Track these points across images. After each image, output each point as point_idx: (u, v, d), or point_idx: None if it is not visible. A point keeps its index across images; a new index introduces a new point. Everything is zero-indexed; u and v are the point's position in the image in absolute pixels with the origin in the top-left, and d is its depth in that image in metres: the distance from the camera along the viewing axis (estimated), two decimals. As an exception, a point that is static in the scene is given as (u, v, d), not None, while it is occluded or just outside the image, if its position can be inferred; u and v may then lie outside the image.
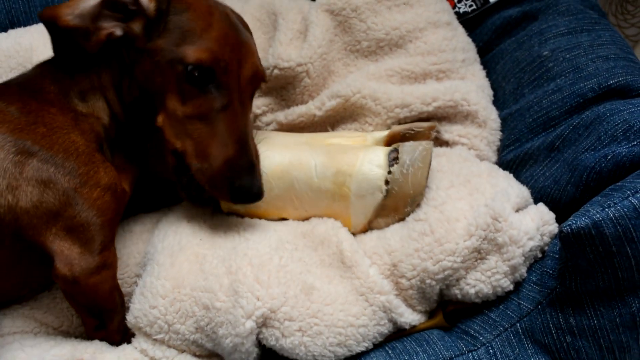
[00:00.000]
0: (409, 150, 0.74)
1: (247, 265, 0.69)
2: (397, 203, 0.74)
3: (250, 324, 0.66)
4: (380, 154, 0.75)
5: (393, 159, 0.74)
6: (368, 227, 0.77)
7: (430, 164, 0.74)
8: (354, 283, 0.70)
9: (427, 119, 0.86)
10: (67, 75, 0.74)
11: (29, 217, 0.66)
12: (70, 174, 0.68)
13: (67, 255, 0.67)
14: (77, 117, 0.73)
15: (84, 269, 0.67)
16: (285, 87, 0.92)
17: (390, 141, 0.82)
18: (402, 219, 0.75)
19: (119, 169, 0.76)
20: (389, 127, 0.86)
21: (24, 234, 0.67)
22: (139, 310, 0.71)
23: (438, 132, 0.85)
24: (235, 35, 0.72)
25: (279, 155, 0.78)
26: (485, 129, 0.85)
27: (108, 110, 0.75)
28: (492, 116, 0.86)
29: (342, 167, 0.75)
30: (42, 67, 0.76)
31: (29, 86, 0.74)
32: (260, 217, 0.80)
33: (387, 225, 0.76)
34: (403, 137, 0.81)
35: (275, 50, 0.89)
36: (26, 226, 0.66)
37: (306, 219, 0.79)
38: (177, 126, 0.72)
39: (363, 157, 0.76)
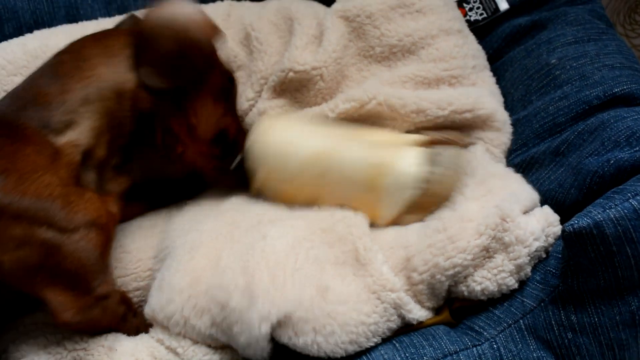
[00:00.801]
0: (449, 155, 0.77)
1: (263, 267, 0.71)
2: (429, 202, 0.77)
3: (265, 328, 0.67)
4: (420, 154, 0.78)
5: (431, 161, 0.77)
6: (395, 222, 0.79)
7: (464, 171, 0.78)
8: (366, 281, 0.72)
9: (443, 126, 0.88)
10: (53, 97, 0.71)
11: (10, 274, 0.64)
12: (46, 223, 0.64)
13: (61, 301, 0.65)
14: (54, 153, 0.69)
15: (81, 308, 0.67)
16: (300, 90, 0.94)
17: (423, 145, 0.84)
18: (424, 219, 0.78)
19: (109, 185, 0.76)
20: (407, 131, 0.88)
21: (12, 287, 0.65)
22: (156, 304, 0.73)
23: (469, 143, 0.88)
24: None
25: (316, 141, 0.81)
26: (502, 132, 0.88)
27: (96, 130, 0.72)
28: (507, 120, 0.89)
29: (380, 161, 0.78)
30: (26, 92, 0.73)
31: (8, 121, 0.70)
32: (286, 202, 0.82)
33: (414, 222, 0.78)
34: (433, 143, 0.83)
35: (291, 54, 0.92)
36: (11, 281, 0.65)
37: (335, 205, 0.81)
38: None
39: (403, 154, 0.78)
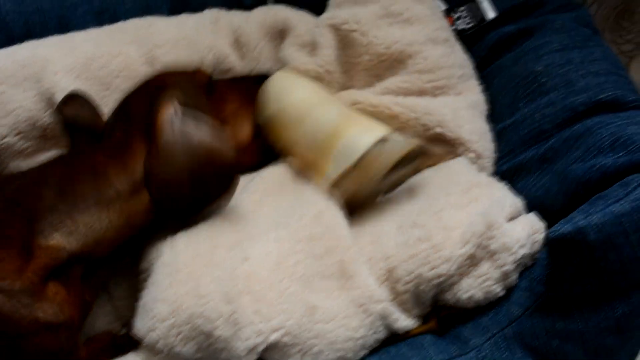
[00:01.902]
0: (395, 139, 0.77)
1: (246, 294, 0.69)
2: (359, 176, 0.77)
3: (251, 358, 0.67)
4: (382, 132, 0.78)
5: (381, 140, 0.76)
6: (334, 185, 0.79)
7: (397, 163, 0.76)
8: (352, 294, 0.72)
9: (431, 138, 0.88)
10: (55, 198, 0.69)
11: None
12: (5, 336, 0.63)
13: None
14: (32, 255, 0.66)
15: None
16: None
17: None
18: (357, 196, 0.79)
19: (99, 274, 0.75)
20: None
21: None
22: (140, 329, 0.72)
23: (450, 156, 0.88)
24: None
25: (314, 95, 0.87)
26: (477, 150, 0.88)
27: (99, 241, 0.70)
28: (476, 139, 0.88)
29: (343, 124, 0.80)
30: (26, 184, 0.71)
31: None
32: (272, 139, 0.87)
33: (346, 194, 0.79)
34: (413, 151, 0.84)
35: (290, 54, 0.94)
36: None
37: (302, 156, 0.84)
38: None
39: (367, 126, 0.80)
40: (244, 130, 0.85)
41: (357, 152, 0.76)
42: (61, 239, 0.67)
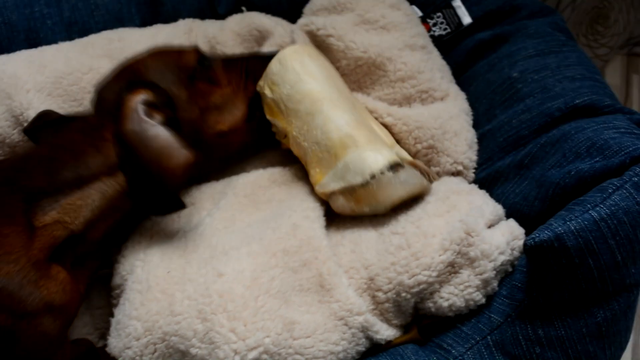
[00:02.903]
0: (412, 174, 0.76)
1: (221, 312, 0.68)
2: (364, 198, 0.76)
3: None
4: (393, 156, 0.76)
5: (394, 168, 0.75)
6: (326, 195, 0.79)
7: (410, 197, 0.77)
8: (332, 307, 0.71)
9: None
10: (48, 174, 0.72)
11: None
12: (6, 307, 0.64)
13: None
14: (34, 233, 0.69)
15: None
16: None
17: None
18: (353, 213, 0.78)
19: (88, 262, 0.76)
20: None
21: None
22: (115, 347, 0.71)
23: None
24: None
25: (327, 87, 0.82)
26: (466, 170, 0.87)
27: (91, 213, 0.72)
28: (470, 155, 0.88)
29: (358, 137, 0.77)
30: (23, 164, 0.74)
31: None
32: (270, 115, 0.85)
33: (341, 207, 0.78)
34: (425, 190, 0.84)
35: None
36: None
37: (294, 149, 0.83)
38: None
39: (379, 146, 0.77)
40: (235, 114, 0.83)
41: (366, 172, 0.75)
42: (58, 216, 0.70)
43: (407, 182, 0.75)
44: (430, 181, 0.83)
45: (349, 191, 0.76)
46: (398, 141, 0.87)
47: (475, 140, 0.89)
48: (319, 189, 0.79)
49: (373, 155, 0.76)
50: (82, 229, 0.72)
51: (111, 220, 0.75)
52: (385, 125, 0.88)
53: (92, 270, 0.79)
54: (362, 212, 0.77)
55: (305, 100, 0.81)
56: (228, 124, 0.82)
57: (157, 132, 0.72)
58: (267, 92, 0.84)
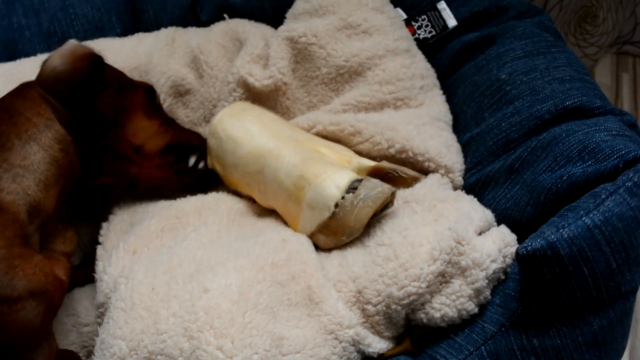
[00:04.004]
0: (369, 187, 0.74)
1: (208, 329, 0.66)
2: (337, 228, 0.75)
3: None
4: (345, 178, 0.76)
5: (353, 188, 0.74)
6: (310, 238, 0.78)
7: (380, 208, 0.75)
8: (322, 321, 0.69)
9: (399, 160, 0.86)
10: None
11: None
12: None
13: None
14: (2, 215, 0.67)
15: None
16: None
17: (374, 173, 0.82)
18: (337, 245, 0.76)
19: (57, 244, 0.76)
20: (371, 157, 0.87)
21: None
22: None
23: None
24: None
25: (264, 139, 0.82)
26: (452, 173, 0.86)
27: (44, 182, 0.71)
28: (444, 153, 0.85)
29: (307, 175, 0.77)
30: None
31: None
32: (232, 186, 0.87)
33: (325, 244, 0.77)
34: (386, 175, 0.82)
35: (242, 66, 0.91)
36: None
37: (267, 206, 0.83)
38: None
39: (330, 173, 0.76)
40: (153, 144, 0.83)
41: (329, 203, 0.75)
42: (19, 189, 0.69)
43: (367, 197, 0.73)
44: (407, 181, 0.82)
45: (324, 227, 0.76)
46: (368, 151, 0.86)
47: (456, 143, 0.88)
48: (301, 233, 0.79)
49: (327, 184, 0.75)
50: (38, 200, 0.70)
51: (62, 181, 0.74)
52: (356, 132, 0.86)
53: (70, 255, 0.78)
54: (342, 242, 0.76)
55: (250, 162, 0.82)
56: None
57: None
58: (219, 168, 0.86)
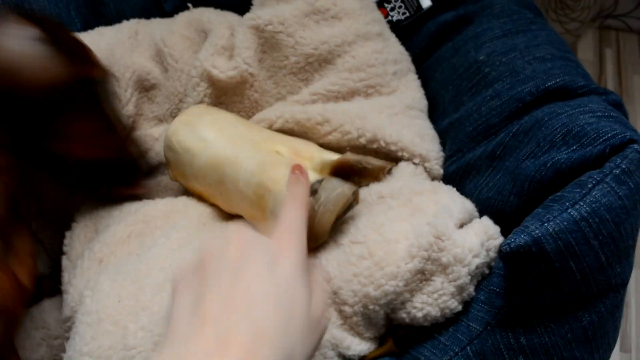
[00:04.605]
0: (328, 188, 0.70)
1: None
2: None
3: None
4: None
5: (313, 191, 0.70)
6: None
7: (343, 210, 0.71)
8: None
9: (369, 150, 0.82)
10: None
11: None
12: None
13: None
14: None
15: None
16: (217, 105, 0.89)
17: (339, 167, 0.78)
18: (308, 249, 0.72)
19: (16, 243, 0.70)
20: (342, 150, 0.82)
21: None
22: None
23: (389, 172, 0.81)
24: None
25: (220, 147, 0.77)
26: (428, 162, 0.82)
27: None
28: (426, 145, 0.82)
29: (266, 182, 0.73)
30: None
31: None
32: (198, 196, 0.83)
33: None
34: (351, 168, 0.78)
35: (203, 58, 0.87)
36: None
37: (234, 214, 0.79)
38: None
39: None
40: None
41: None
42: None
43: (328, 200, 0.69)
44: (374, 172, 0.78)
45: None
46: (337, 142, 0.82)
47: (431, 131, 0.84)
48: None
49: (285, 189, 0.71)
50: None
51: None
52: (324, 120, 0.82)
53: (33, 255, 0.73)
54: (312, 247, 0.71)
55: (209, 173, 0.78)
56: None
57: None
58: (181, 180, 0.82)
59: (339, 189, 0.70)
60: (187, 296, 0.49)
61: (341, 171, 0.77)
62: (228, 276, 0.48)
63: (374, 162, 0.78)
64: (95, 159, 0.72)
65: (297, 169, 0.67)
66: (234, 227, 0.54)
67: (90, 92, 0.70)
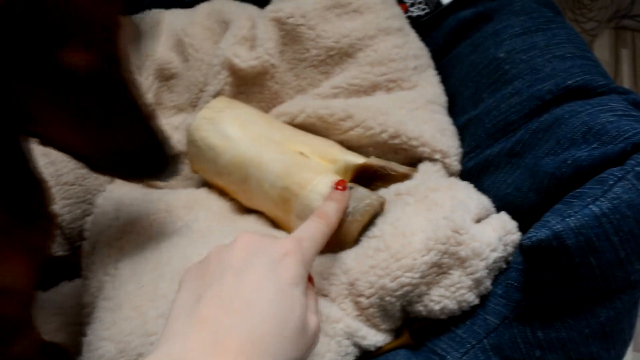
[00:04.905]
0: (357, 198, 0.71)
1: None
2: (329, 241, 0.71)
3: None
4: (331, 186, 0.73)
5: None
6: None
7: (369, 220, 0.72)
8: None
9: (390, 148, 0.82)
10: None
11: None
12: None
13: None
14: None
15: None
16: (237, 97, 0.89)
17: (362, 171, 0.79)
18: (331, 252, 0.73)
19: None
20: (362, 146, 0.83)
21: None
22: None
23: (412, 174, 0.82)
24: None
25: (245, 146, 0.78)
26: (448, 158, 0.82)
27: None
28: (447, 141, 0.82)
29: (291, 186, 0.73)
30: None
31: None
32: (220, 190, 0.83)
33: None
34: (375, 173, 0.79)
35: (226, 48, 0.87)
36: None
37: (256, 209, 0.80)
38: None
39: (315, 183, 0.73)
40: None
41: None
42: None
43: (356, 210, 0.70)
44: (397, 178, 0.78)
45: None
46: (358, 137, 0.82)
47: (451, 127, 0.85)
48: None
49: (313, 196, 0.73)
50: None
51: None
52: (347, 116, 0.82)
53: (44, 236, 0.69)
54: (336, 252, 0.73)
55: (233, 171, 0.78)
56: None
57: None
58: (203, 175, 0.83)
59: (367, 199, 0.71)
60: (188, 293, 0.49)
61: (365, 174, 0.78)
62: (230, 277, 0.49)
63: (397, 168, 0.79)
64: (122, 148, 0.63)
65: (340, 185, 0.67)
66: (244, 232, 0.54)
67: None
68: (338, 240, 0.71)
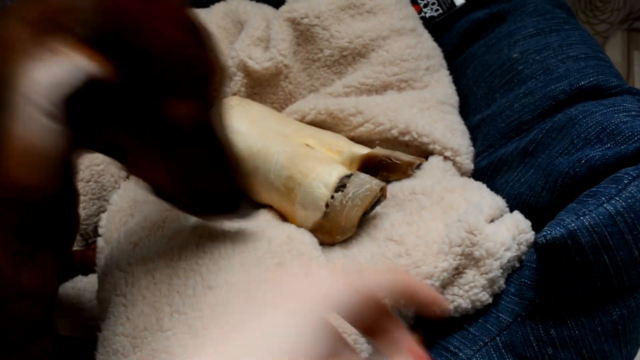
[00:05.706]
0: (357, 183, 0.72)
1: (213, 327, 0.64)
2: (331, 227, 0.73)
3: None
4: (334, 175, 0.73)
5: (341, 185, 0.72)
6: (312, 232, 0.76)
7: (370, 206, 0.72)
8: None
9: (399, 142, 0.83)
10: None
11: None
12: None
13: None
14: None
15: None
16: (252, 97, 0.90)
17: (367, 161, 0.79)
18: (335, 242, 0.74)
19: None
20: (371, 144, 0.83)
21: None
22: None
23: (418, 167, 0.82)
24: None
25: (252, 139, 0.78)
26: (459, 156, 0.83)
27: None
28: (458, 140, 0.83)
29: (295, 175, 0.74)
30: None
31: None
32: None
33: (324, 241, 0.74)
34: (380, 162, 0.79)
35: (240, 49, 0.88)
36: None
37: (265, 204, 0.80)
38: None
39: (318, 172, 0.74)
40: None
41: (320, 204, 0.73)
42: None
43: (356, 195, 0.71)
44: (402, 167, 0.79)
45: (319, 226, 0.74)
46: (368, 134, 0.83)
47: (461, 126, 0.85)
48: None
49: (316, 184, 0.73)
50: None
51: None
52: (357, 112, 0.83)
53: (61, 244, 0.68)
54: (339, 240, 0.74)
55: (243, 161, 0.76)
56: None
57: None
58: None
59: (367, 184, 0.72)
60: None
61: (370, 165, 0.78)
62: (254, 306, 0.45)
63: (402, 157, 0.79)
64: (208, 190, 0.63)
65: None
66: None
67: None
68: (338, 227, 0.72)
